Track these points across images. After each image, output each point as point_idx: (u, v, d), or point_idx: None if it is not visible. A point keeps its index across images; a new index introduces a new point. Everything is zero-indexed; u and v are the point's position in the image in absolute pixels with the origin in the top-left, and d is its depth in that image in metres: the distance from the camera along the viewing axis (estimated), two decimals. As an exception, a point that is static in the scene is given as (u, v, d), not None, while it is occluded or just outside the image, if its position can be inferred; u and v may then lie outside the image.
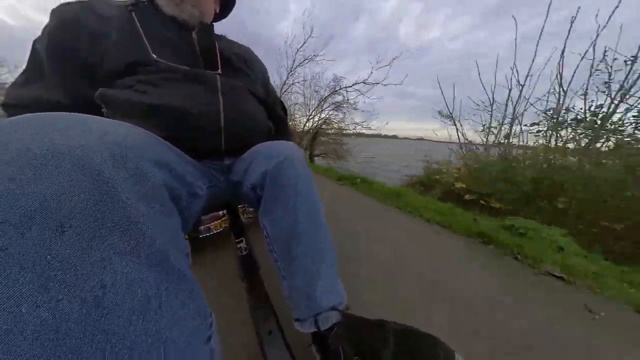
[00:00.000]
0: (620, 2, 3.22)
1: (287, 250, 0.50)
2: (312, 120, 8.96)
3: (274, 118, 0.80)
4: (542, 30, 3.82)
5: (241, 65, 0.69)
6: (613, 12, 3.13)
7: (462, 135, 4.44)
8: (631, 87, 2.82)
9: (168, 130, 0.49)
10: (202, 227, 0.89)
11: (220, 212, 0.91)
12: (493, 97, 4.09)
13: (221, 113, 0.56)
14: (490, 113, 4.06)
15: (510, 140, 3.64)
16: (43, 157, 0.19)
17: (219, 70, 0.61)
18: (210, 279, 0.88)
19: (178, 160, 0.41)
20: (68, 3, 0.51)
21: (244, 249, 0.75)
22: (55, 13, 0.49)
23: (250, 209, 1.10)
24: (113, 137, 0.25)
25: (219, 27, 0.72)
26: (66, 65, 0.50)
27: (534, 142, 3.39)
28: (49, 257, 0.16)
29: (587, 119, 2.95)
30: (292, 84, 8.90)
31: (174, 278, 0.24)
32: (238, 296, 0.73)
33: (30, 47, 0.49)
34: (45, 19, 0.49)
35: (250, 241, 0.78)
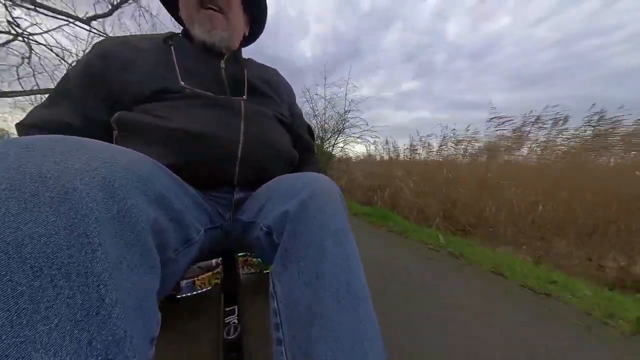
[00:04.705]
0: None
1: (304, 342, 0.30)
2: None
3: (300, 145, 0.73)
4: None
5: (267, 89, 0.66)
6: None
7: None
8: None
9: (180, 154, 0.47)
10: (184, 282, 0.64)
11: (213, 262, 0.68)
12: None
13: (240, 138, 0.52)
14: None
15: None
16: (23, 184, 0.19)
17: (244, 96, 0.59)
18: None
19: (179, 194, 0.38)
20: (108, 38, 0.57)
21: (234, 327, 0.48)
22: (95, 46, 0.53)
23: (255, 260, 0.85)
24: (110, 166, 0.24)
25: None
26: (92, 91, 0.51)
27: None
28: None
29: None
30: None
31: None
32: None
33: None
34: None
35: (246, 314, 0.52)
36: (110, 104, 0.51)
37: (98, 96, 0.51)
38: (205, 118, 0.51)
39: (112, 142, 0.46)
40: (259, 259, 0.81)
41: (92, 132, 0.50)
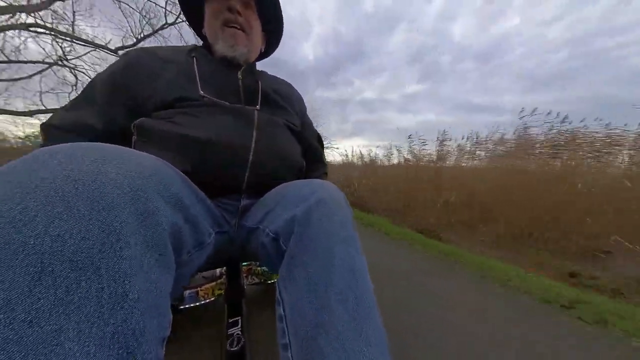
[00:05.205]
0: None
1: (311, 349, 0.30)
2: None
3: (310, 153, 0.77)
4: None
5: (279, 99, 0.68)
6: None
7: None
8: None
9: (193, 160, 0.49)
10: (187, 292, 0.64)
11: (217, 272, 0.67)
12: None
13: (252, 145, 0.54)
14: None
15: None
16: (66, 185, 0.20)
17: (258, 106, 0.61)
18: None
19: (193, 198, 0.39)
20: (136, 48, 0.61)
21: (237, 339, 0.48)
22: (124, 56, 0.57)
23: (259, 269, 0.84)
24: (137, 169, 0.26)
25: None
26: (115, 98, 0.53)
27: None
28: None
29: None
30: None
31: None
32: None
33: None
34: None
35: (250, 325, 0.51)
36: (131, 109, 0.53)
37: (121, 102, 0.54)
38: (219, 126, 0.52)
39: (130, 146, 0.48)
40: (264, 268, 0.80)
41: (112, 135, 0.53)
